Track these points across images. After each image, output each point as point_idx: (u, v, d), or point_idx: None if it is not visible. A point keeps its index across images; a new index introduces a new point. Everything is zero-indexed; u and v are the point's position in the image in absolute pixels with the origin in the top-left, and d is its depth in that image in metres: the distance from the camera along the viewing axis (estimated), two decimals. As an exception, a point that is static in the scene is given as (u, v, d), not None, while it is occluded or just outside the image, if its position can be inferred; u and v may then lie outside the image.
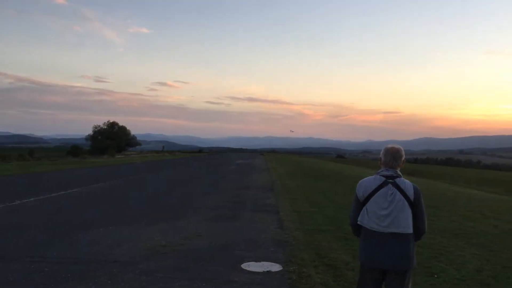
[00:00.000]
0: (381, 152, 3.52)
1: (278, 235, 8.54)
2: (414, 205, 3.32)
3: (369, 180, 3.44)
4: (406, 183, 3.36)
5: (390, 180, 3.35)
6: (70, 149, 64.22)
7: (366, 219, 3.38)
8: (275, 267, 6.19)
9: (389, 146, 3.53)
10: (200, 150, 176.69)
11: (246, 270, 6.07)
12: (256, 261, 6.54)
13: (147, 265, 6.23)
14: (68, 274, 5.68)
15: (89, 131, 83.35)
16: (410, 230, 3.29)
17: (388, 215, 3.28)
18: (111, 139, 79.28)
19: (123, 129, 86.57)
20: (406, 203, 3.29)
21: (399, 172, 3.44)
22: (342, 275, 5.70)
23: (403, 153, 3.52)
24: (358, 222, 3.45)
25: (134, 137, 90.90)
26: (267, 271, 6.02)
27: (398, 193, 3.30)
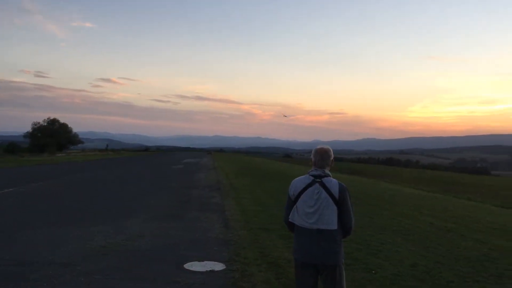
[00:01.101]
0: (312, 153, 3.74)
1: (222, 234, 8.54)
2: (339, 202, 3.52)
3: (299, 180, 3.66)
4: (332, 181, 3.56)
5: (318, 180, 3.56)
6: (6, 147, 60.95)
7: (296, 217, 3.61)
8: (218, 266, 6.19)
9: (319, 147, 3.74)
10: (146, 149, 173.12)
11: (189, 270, 6.03)
12: (199, 260, 6.51)
13: (86, 266, 6.05)
14: (4, 276, 5.44)
15: (27, 128, 79.35)
16: (335, 227, 3.50)
17: (314, 212, 3.50)
18: (51, 136, 75.90)
19: (64, 127, 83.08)
20: (331, 201, 3.49)
21: (327, 172, 3.64)
22: (284, 273, 5.79)
23: (332, 153, 3.74)
24: (290, 220, 3.68)
25: (76, 135, 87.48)
26: (210, 270, 6.01)
27: (323, 191, 3.51)
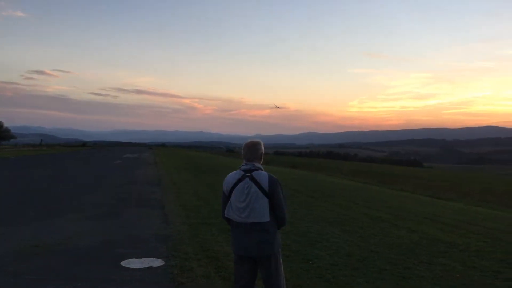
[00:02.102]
0: (242, 148, 3.80)
1: (162, 230, 8.40)
2: (270, 195, 3.59)
3: (231, 175, 3.72)
4: (262, 175, 3.62)
5: (248, 174, 3.62)
6: None
7: (230, 212, 3.67)
8: (157, 263, 6.09)
9: (248, 141, 3.82)
10: (83, 144, 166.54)
11: (126, 267, 5.88)
12: (137, 257, 6.37)
13: (17, 267, 5.76)
14: None
15: (-48, 123, 74.05)
16: (267, 219, 3.57)
17: (246, 206, 3.57)
18: (-21, 131, 71.32)
19: (-7, 121, 78.34)
20: (261, 194, 3.56)
21: (257, 165, 3.70)
22: (224, 267, 5.79)
23: (261, 146, 3.79)
24: (225, 215, 3.74)
25: (7, 130, 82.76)
26: (148, 267, 5.90)
27: (253, 185, 3.57)
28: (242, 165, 3.71)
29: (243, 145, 3.80)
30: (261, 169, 3.68)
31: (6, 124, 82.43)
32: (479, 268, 6.07)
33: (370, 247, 7.17)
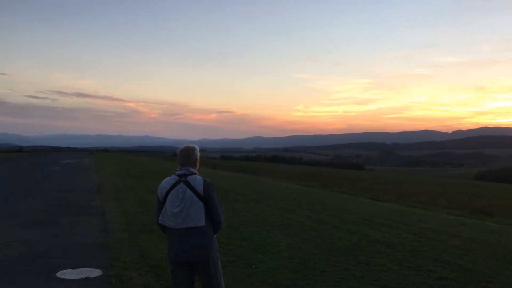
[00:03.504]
0: (177, 153, 3.79)
1: (101, 238, 8.13)
2: (205, 199, 3.59)
3: (166, 181, 3.68)
4: (196, 179, 3.62)
5: (182, 179, 3.61)
6: None
7: (165, 218, 3.62)
8: (95, 273, 5.88)
9: (183, 146, 3.81)
10: (20, 150, 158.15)
11: (61, 278, 5.64)
12: (73, 268, 6.12)
13: None
14: None
15: None
16: (202, 223, 3.57)
17: (181, 212, 3.54)
18: None
19: None
20: (196, 198, 3.55)
21: (192, 170, 3.69)
22: (165, 275, 5.68)
23: (195, 152, 3.80)
24: (160, 222, 3.68)
25: None
26: (85, 277, 5.69)
27: (188, 190, 3.56)
28: (177, 170, 3.69)
29: (178, 151, 3.78)
30: (196, 174, 3.68)
31: None
32: (414, 267, 6.33)
33: (311, 250, 7.30)
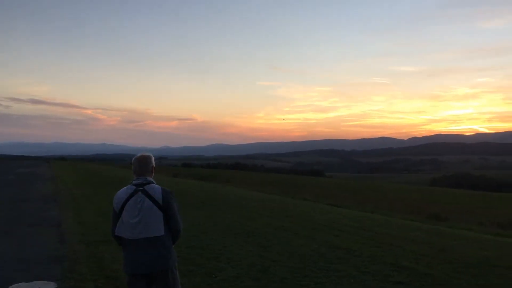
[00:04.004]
0: (132, 162, 3.71)
1: (56, 250, 7.86)
2: (164, 208, 3.54)
3: (122, 191, 3.60)
4: (155, 188, 3.56)
5: (140, 188, 3.54)
6: None
7: (122, 229, 3.54)
8: (49, 286, 5.68)
9: (138, 155, 3.74)
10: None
11: (13, 293, 5.40)
12: (27, 281, 5.88)
13: None
14: None
15: None
16: (162, 233, 3.51)
17: (139, 222, 3.47)
18: None
19: None
20: (155, 207, 3.49)
21: (149, 179, 3.64)
22: (122, 286, 5.56)
23: (152, 160, 3.74)
24: (117, 234, 3.58)
25: None
26: (39, 291, 5.47)
27: (146, 199, 3.50)
28: (134, 180, 3.61)
29: (133, 160, 3.70)
30: (154, 183, 3.62)
31: None
32: (371, 272, 6.47)
33: (272, 257, 7.33)
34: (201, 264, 6.72)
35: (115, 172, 47.92)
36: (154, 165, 3.74)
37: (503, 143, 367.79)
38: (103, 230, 9.77)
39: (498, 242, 9.43)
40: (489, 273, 6.56)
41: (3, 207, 14.36)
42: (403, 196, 31.35)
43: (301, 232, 9.80)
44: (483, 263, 7.18)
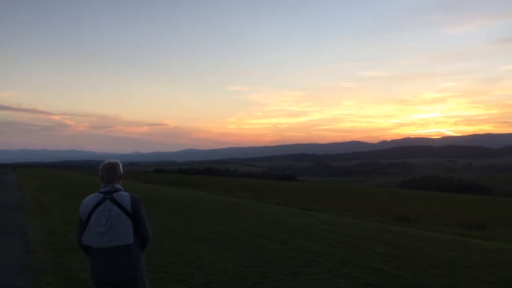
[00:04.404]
0: (99, 169, 3.63)
1: (22, 259, 7.64)
2: (133, 215, 3.49)
3: (88, 199, 3.52)
4: (123, 195, 3.51)
5: (108, 196, 3.48)
6: None
7: (90, 238, 3.46)
8: (14, 298, 5.50)
9: (106, 161, 3.67)
10: None
11: (-25, 306, 5.21)
12: (-10, 293, 5.70)
13: None
14: None
15: None
16: (131, 241, 3.46)
17: (108, 230, 3.41)
18: None
19: None
20: (124, 215, 3.44)
21: (117, 186, 3.57)
22: (91, 295, 5.44)
23: (119, 167, 3.67)
24: (84, 242, 3.51)
25: None
26: (3, 303, 5.30)
27: (115, 207, 3.44)
28: (101, 188, 3.54)
29: (100, 166, 3.63)
30: (122, 190, 3.56)
31: None
32: (342, 275, 6.54)
33: (244, 262, 7.32)
34: (172, 271, 6.65)
35: (85, 179, 46.95)
36: (122, 172, 3.68)
37: (469, 146, 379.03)
38: (71, 238, 9.55)
39: (464, 243, 9.67)
40: (456, 273, 6.72)
41: (-35, 217, 13.85)
42: (373, 199, 31.84)
43: (273, 237, 9.82)
44: (450, 264, 7.36)
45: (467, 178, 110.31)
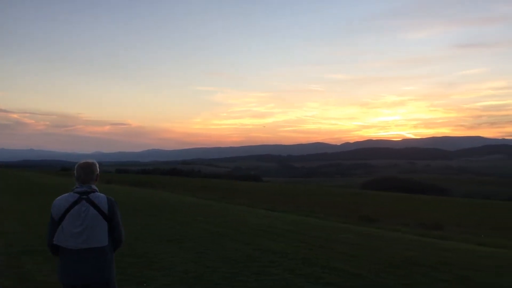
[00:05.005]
0: (75, 168, 3.52)
1: (-27, 263, 7.29)
2: (109, 217, 3.41)
3: (63, 198, 3.40)
4: (100, 197, 3.42)
5: (84, 196, 3.38)
6: None
7: (62, 238, 3.33)
8: (-37, 303, 5.25)
9: (82, 161, 3.56)
10: None
11: None
12: None
13: None
14: None
15: None
16: (106, 243, 3.38)
17: (83, 231, 3.31)
18: None
19: None
20: (100, 217, 3.35)
21: (94, 187, 3.47)
22: (47, 299, 5.26)
23: (96, 168, 3.58)
24: (55, 242, 3.37)
25: None
26: (-49, 309, 5.05)
27: (91, 208, 3.34)
28: (77, 187, 3.42)
29: (76, 166, 3.51)
30: (97, 191, 3.46)
31: None
32: (304, 275, 6.60)
33: (206, 263, 7.27)
34: (133, 273, 6.51)
35: (43, 179, 45.56)
36: (98, 173, 3.58)
37: (428, 148, 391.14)
38: (27, 240, 9.25)
39: (422, 242, 9.96)
40: (413, 272, 6.90)
41: None
42: (337, 200, 32.32)
43: (236, 237, 9.80)
44: (409, 262, 7.55)
45: (426, 180, 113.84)
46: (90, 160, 3.59)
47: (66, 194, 3.43)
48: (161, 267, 6.93)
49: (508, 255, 8.97)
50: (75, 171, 3.49)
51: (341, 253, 8.25)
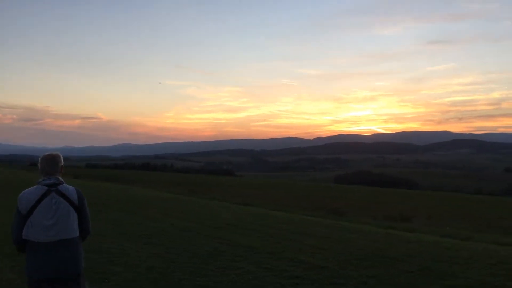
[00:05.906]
0: (39, 161, 3.53)
1: None
2: (79, 208, 3.45)
3: (30, 192, 3.37)
4: (69, 189, 3.45)
5: (53, 188, 3.38)
6: None
7: (33, 232, 3.30)
8: None
9: (46, 154, 3.58)
10: None
11: None
12: None
13: None
14: None
15: None
16: (76, 234, 3.43)
17: (55, 224, 3.31)
18: None
19: None
20: (71, 208, 3.38)
21: (61, 179, 3.49)
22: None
23: (60, 159, 3.59)
24: (24, 237, 3.32)
25: None
26: None
27: (62, 200, 3.36)
28: (44, 180, 3.39)
29: (40, 159, 3.50)
30: (65, 183, 3.46)
31: None
32: (271, 268, 6.59)
33: (172, 258, 7.18)
34: (95, 269, 6.35)
35: (9, 174, 44.27)
36: (63, 165, 3.59)
37: (397, 142, 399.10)
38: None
39: (389, 234, 10.10)
40: (379, 264, 6.98)
41: None
42: (308, 194, 32.60)
43: (204, 232, 9.72)
44: (375, 254, 7.64)
45: (396, 173, 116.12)
46: (54, 153, 3.59)
47: (33, 187, 3.40)
48: (125, 263, 6.81)
49: (471, 246, 9.19)
50: (39, 164, 3.49)
51: (309, 245, 8.28)
